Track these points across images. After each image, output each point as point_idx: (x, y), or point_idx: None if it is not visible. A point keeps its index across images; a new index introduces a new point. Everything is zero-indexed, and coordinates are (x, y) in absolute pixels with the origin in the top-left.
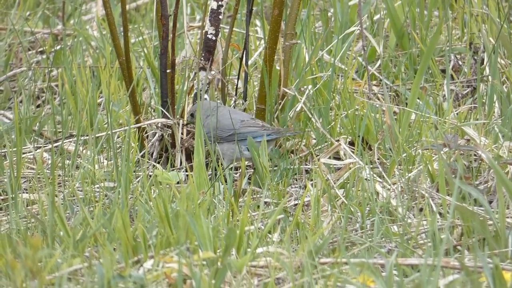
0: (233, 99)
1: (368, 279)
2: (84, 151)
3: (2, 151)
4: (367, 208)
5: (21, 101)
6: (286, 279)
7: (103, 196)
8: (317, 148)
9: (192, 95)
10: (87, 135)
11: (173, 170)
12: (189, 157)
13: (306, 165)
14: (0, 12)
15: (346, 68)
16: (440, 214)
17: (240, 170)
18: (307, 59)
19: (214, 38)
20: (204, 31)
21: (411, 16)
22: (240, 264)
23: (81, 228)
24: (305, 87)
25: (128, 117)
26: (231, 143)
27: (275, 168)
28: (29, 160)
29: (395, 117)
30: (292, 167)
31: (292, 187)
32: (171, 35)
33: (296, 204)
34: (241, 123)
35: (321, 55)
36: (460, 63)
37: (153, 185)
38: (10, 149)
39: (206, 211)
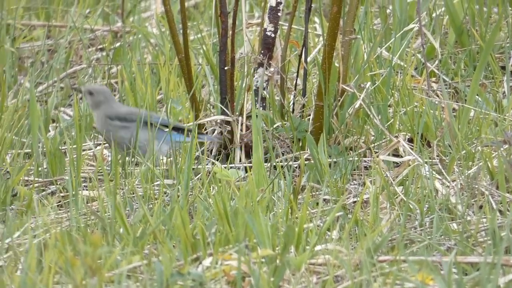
0: (292, 94)
1: (427, 277)
2: None
3: (63, 148)
4: (426, 206)
5: (81, 98)
6: (344, 277)
7: (162, 193)
8: (375, 144)
9: (252, 92)
10: None
11: (232, 167)
12: (248, 154)
13: (365, 162)
14: (60, 10)
15: (405, 65)
16: (500, 211)
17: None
18: (365, 56)
19: (273, 35)
20: (263, 28)
21: (470, 13)
22: (298, 261)
23: (140, 225)
24: (364, 83)
25: (187, 114)
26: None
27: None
28: (89, 157)
29: (454, 114)
30: (351, 162)
31: (351, 184)
32: (230, 32)
33: (355, 201)
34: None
35: (379, 52)
36: None
37: (212, 182)
38: (70, 146)
39: (265, 208)
